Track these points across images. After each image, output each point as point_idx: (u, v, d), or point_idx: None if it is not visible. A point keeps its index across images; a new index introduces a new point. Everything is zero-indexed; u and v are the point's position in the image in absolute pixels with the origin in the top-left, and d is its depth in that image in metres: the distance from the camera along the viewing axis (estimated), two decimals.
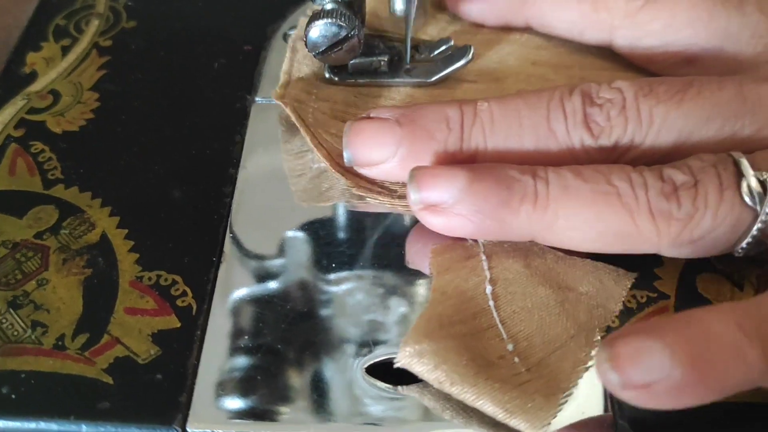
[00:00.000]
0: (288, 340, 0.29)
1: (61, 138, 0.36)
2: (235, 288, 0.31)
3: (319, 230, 0.33)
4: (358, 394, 0.28)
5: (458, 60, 0.36)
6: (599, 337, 0.29)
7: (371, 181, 0.33)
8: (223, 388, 0.28)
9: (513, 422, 0.26)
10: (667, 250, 0.29)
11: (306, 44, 0.34)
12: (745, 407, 0.27)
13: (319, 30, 0.34)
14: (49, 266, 0.31)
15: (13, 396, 0.28)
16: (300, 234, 0.33)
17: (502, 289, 0.30)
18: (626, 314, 0.30)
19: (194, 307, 0.30)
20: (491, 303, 0.29)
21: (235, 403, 0.28)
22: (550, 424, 0.26)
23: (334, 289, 0.31)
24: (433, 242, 0.31)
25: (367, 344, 0.29)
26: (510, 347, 0.28)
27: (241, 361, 0.29)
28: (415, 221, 0.32)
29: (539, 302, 0.29)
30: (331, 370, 0.29)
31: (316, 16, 0.34)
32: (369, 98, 0.37)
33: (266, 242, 0.32)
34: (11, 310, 0.30)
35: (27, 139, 0.36)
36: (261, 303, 0.30)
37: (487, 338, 0.28)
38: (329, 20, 0.33)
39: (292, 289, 0.31)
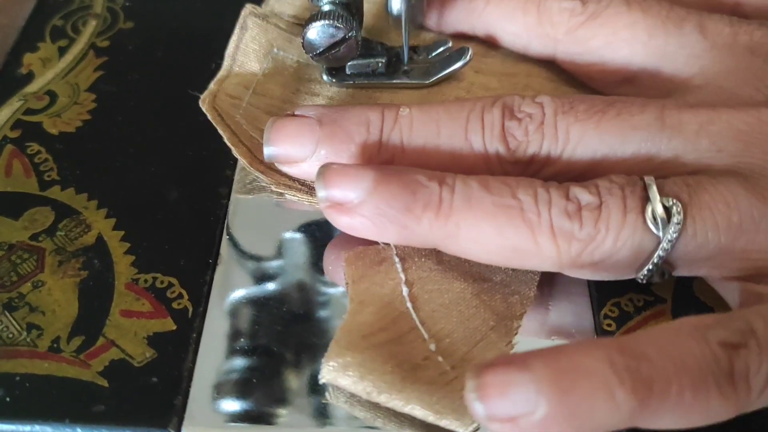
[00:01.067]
0: (284, 342, 0.29)
1: (58, 139, 0.36)
2: (232, 290, 0.31)
3: (315, 232, 0.33)
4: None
5: (456, 61, 0.36)
6: (518, 324, 0.29)
7: (291, 178, 0.33)
8: (218, 391, 0.28)
9: (443, 423, 0.26)
10: (567, 270, 0.28)
11: (303, 46, 0.34)
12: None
13: (316, 31, 0.33)
14: (45, 268, 0.31)
15: (8, 399, 0.28)
16: (297, 236, 0.33)
17: (419, 289, 0.29)
18: (623, 318, 0.30)
19: (190, 309, 0.30)
20: (409, 305, 0.29)
21: (231, 406, 0.28)
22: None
23: (330, 290, 0.31)
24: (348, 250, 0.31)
25: None
26: (432, 347, 0.28)
27: (237, 363, 0.29)
28: None
29: (456, 297, 0.29)
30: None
31: (313, 18, 0.33)
32: (307, 96, 0.37)
33: (263, 244, 0.32)
34: (6, 312, 0.30)
35: (23, 141, 0.35)
36: (257, 305, 0.30)
37: (410, 341, 0.28)
38: (327, 22, 0.33)
39: (288, 291, 0.31)
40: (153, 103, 0.37)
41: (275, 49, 0.38)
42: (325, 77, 0.37)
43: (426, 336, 0.28)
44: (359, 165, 0.30)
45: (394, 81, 0.37)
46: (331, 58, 0.35)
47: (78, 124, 0.36)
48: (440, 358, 0.27)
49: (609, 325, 0.30)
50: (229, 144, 0.33)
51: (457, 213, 0.28)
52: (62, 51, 0.40)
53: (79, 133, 0.36)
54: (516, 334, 0.29)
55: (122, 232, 0.32)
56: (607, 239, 0.27)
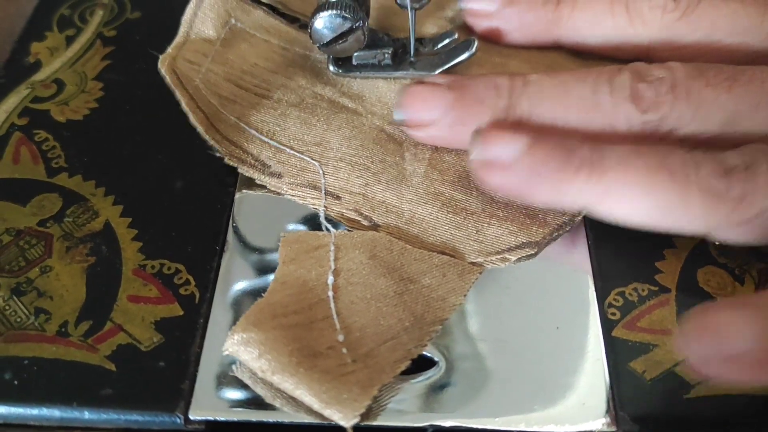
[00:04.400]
0: None
1: (65, 127, 0.36)
2: (238, 277, 0.31)
3: (320, 220, 0.33)
4: None
5: (461, 53, 0.36)
6: (438, 328, 0.29)
7: (246, 151, 0.34)
8: (225, 376, 0.28)
9: (327, 412, 0.26)
10: (717, 232, 0.29)
11: (311, 36, 0.34)
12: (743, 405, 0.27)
13: (323, 21, 0.34)
14: (53, 254, 0.31)
15: (16, 382, 0.28)
16: (302, 224, 0.33)
17: (344, 280, 0.30)
18: (628, 307, 0.30)
19: (197, 295, 0.30)
20: (330, 294, 0.29)
21: (237, 390, 0.28)
22: (361, 416, 0.26)
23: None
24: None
25: None
26: (340, 338, 0.28)
27: None
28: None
29: (378, 293, 0.30)
30: None
31: (321, 8, 0.34)
32: (265, 71, 0.37)
33: (269, 232, 0.32)
34: (14, 297, 0.30)
35: (31, 128, 0.36)
36: (263, 292, 0.30)
37: (320, 329, 0.28)
38: (334, 12, 0.33)
39: None
40: (160, 92, 0.37)
41: (232, 20, 0.38)
42: (331, 68, 0.37)
43: (338, 326, 0.28)
44: (513, 129, 0.30)
45: (400, 72, 0.37)
46: (338, 49, 0.35)
47: (85, 112, 0.36)
48: (344, 350, 0.28)
49: (613, 314, 0.30)
50: (186, 109, 0.34)
51: (610, 173, 0.28)
52: (69, 40, 0.40)
53: (86, 121, 0.36)
54: (431, 339, 0.29)
55: (129, 219, 0.32)
56: (757, 198, 0.27)
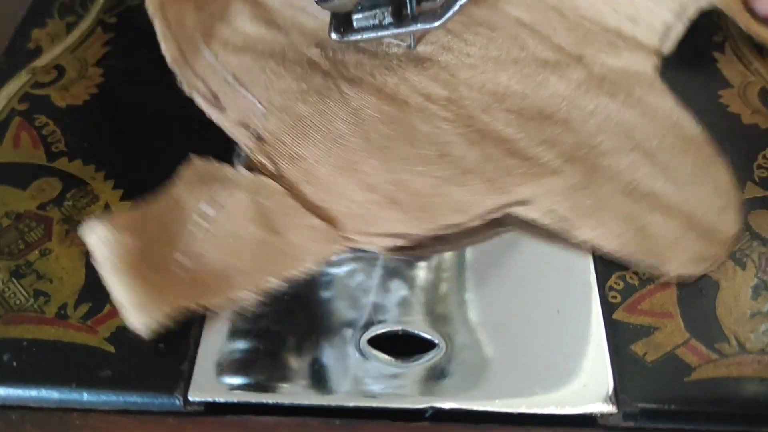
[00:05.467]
0: (290, 312, 0.30)
1: (66, 112, 0.36)
2: None
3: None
4: (356, 367, 0.28)
5: None
6: (272, 280, 0.30)
7: (200, 78, 0.35)
8: (224, 358, 0.28)
9: (122, 312, 0.27)
10: None
11: None
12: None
13: None
14: (52, 237, 0.31)
15: (15, 363, 0.28)
16: None
17: (218, 213, 0.31)
18: (628, 291, 0.30)
19: None
20: (198, 219, 0.30)
21: (236, 372, 0.28)
22: (150, 326, 0.27)
23: (333, 268, 0.31)
24: None
25: (369, 323, 0.29)
26: (186, 262, 0.29)
27: (243, 331, 0.29)
28: None
29: (246, 235, 0.30)
30: (330, 344, 0.29)
31: None
32: (267, 32, 0.38)
33: None
34: (14, 280, 0.30)
35: (31, 113, 0.36)
36: None
37: (170, 245, 0.29)
38: None
39: None
40: (160, 78, 0.37)
41: None
42: (333, 36, 0.36)
43: (187, 248, 0.29)
44: None
45: (403, 29, 0.36)
46: (337, 3, 0.34)
47: (86, 98, 0.36)
48: (182, 270, 0.29)
49: (614, 297, 0.30)
50: (159, 38, 0.36)
51: None
52: (70, 27, 0.40)
53: (86, 106, 0.36)
54: (263, 290, 0.29)
55: (129, 203, 0.32)
56: None
